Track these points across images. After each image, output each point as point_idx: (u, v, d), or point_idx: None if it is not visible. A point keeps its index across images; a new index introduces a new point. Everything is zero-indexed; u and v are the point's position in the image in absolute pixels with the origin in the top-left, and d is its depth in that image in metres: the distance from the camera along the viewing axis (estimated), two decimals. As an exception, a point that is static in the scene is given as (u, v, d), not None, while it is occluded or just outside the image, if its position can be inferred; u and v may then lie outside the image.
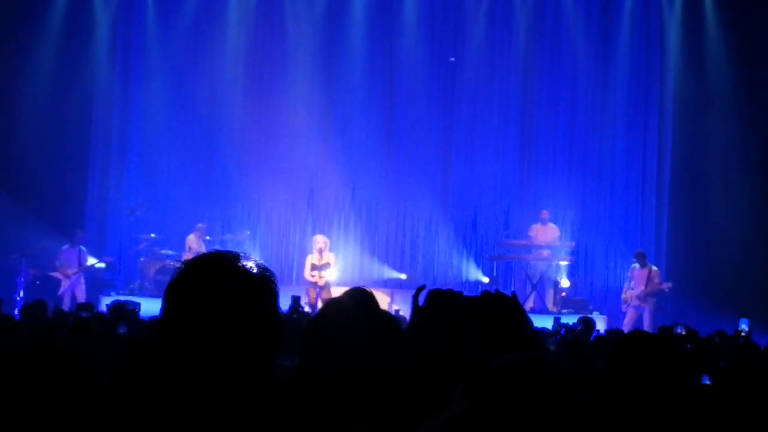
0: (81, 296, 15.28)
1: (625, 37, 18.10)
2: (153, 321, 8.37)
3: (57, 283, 15.58)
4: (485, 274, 17.52)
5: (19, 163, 16.74)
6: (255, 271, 2.10)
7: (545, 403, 1.83)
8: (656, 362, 2.97)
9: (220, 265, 2.09)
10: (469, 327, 2.48)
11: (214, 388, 1.99)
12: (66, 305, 14.16)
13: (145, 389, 2.00)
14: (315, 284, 15.29)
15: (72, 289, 15.60)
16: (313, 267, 15.42)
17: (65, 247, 15.84)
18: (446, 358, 2.47)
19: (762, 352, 8.24)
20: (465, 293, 2.74)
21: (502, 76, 18.31)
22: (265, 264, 2.17)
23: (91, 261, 16.08)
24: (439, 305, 2.67)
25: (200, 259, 2.13)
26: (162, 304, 2.08)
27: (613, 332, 9.76)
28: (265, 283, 2.10)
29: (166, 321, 2.05)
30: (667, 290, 15.72)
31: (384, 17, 18.31)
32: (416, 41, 18.25)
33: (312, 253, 15.62)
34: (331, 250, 15.79)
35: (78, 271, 15.75)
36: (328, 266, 15.40)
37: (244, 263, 2.10)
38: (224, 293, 2.03)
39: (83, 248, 16.05)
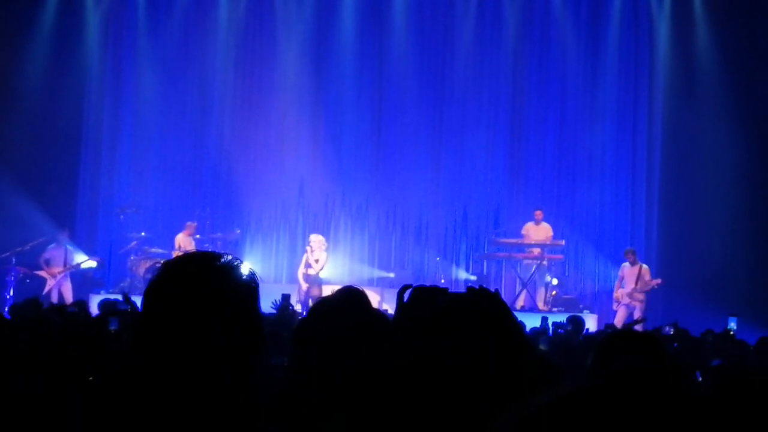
0: (68, 295, 15.27)
1: (614, 34, 18.14)
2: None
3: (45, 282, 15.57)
4: (475, 272, 17.54)
5: (9, 162, 16.70)
6: (235, 270, 2.09)
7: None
8: (643, 358, 2.98)
9: (200, 265, 2.08)
10: (455, 322, 2.48)
11: (196, 389, 1.98)
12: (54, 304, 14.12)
13: (128, 391, 1.99)
14: (305, 281, 15.33)
15: (59, 288, 15.58)
16: (305, 265, 15.48)
17: (51, 246, 15.82)
18: (431, 355, 2.48)
19: (752, 350, 8.28)
20: (451, 291, 2.74)
21: (492, 75, 18.33)
22: (245, 262, 2.15)
23: (79, 259, 16.06)
24: (423, 302, 2.67)
25: (179, 260, 2.11)
26: (141, 305, 2.07)
27: (606, 330, 9.78)
28: (244, 282, 2.09)
29: (146, 323, 2.04)
30: (656, 286, 15.77)
31: (374, 17, 18.32)
32: (406, 41, 18.26)
33: (306, 251, 15.66)
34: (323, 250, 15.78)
35: (64, 270, 15.72)
36: (316, 265, 15.41)
37: (224, 263, 2.09)
38: (204, 293, 2.02)
39: (69, 247, 16.02)
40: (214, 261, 2.08)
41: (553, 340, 8.20)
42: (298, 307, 13.16)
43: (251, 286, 2.09)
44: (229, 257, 2.11)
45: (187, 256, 2.13)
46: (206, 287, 2.03)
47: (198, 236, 16.37)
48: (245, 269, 2.11)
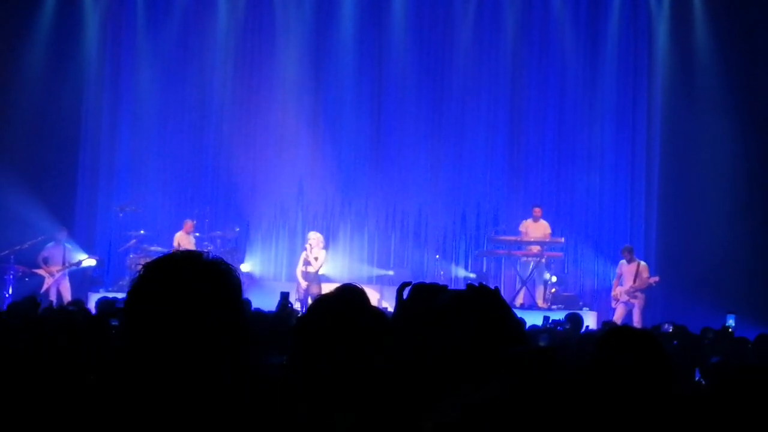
0: (66, 294, 15.27)
1: (614, 33, 18.14)
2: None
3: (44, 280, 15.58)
4: (475, 270, 17.55)
5: (8, 161, 16.69)
6: (217, 269, 2.08)
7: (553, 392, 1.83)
8: (640, 356, 2.99)
9: (181, 264, 2.07)
10: (454, 320, 2.48)
11: (182, 388, 1.97)
12: (53, 303, 14.12)
13: (119, 390, 1.98)
14: (304, 279, 15.34)
15: (57, 286, 15.59)
16: (304, 263, 15.48)
17: (50, 244, 15.83)
18: (430, 353, 2.48)
19: (750, 346, 8.29)
20: (450, 288, 2.74)
21: (491, 74, 18.32)
22: (227, 261, 2.14)
23: (78, 258, 16.06)
24: (423, 299, 2.66)
25: (161, 260, 2.10)
26: (124, 305, 2.06)
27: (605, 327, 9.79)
28: (227, 280, 2.08)
29: (130, 323, 2.03)
30: (654, 284, 15.78)
31: (373, 17, 18.32)
32: (405, 40, 18.25)
33: (305, 249, 15.66)
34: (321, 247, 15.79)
35: (62, 269, 15.73)
36: (316, 262, 15.42)
37: (206, 261, 2.08)
38: (186, 292, 2.00)
39: (68, 246, 16.03)
40: (196, 260, 2.07)
41: (552, 337, 8.21)
42: (297, 306, 13.17)
43: (234, 284, 2.08)
44: (212, 256, 2.10)
45: (168, 256, 2.12)
46: (188, 286, 2.02)
47: (197, 234, 16.37)
48: (229, 267, 2.10)
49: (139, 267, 2.09)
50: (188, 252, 2.11)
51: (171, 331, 1.98)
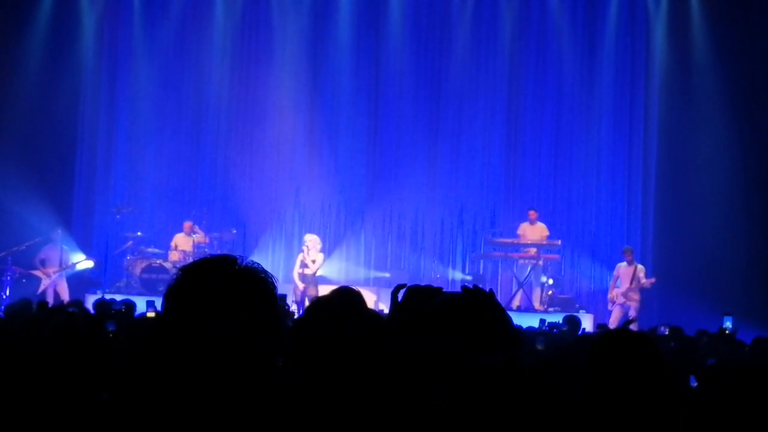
0: (64, 295, 15.26)
1: (611, 35, 18.15)
2: (144, 319, 8.42)
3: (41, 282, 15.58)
4: (472, 272, 17.56)
5: (5, 162, 16.67)
6: (254, 272, 2.10)
7: (521, 402, 1.86)
8: (636, 359, 3.00)
9: (219, 268, 2.09)
10: (448, 322, 2.49)
11: (216, 390, 1.99)
12: (49, 305, 14.09)
13: (146, 393, 2.00)
14: (301, 281, 15.34)
15: (54, 287, 15.58)
16: (301, 265, 15.48)
17: (47, 246, 15.83)
18: (425, 355, 2.49)
19: (747, 349, 8.30)
20: (446, 290, 2.75)
21: (488, 76, 18.32)
22: (262, 266, 2.17)
23: (74, 259, 16.06)
24: (418, 302, 2.68)
25: (199, 263, 2.13)
26: (162, 308, 2.08)
27: (600, 329, 9.80)
28: (264, 284, 2.10)
29: (166, 325, 2.05)
30: (649, 286, 15.79)
31: (370, 17, 18.33)
32: (402, 41, 18.26)
33: (302, 251, 15.66)
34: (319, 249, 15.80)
35: (59, 270, 15.72)
36: (313, 265, 15.42)
37: (243, 265, 2.11)
38: (224, 296, 2.03)
39: (65, 247, 16.03)
40: (233, 263, 2.10)
41: (549, 339, 8.21)
42: (294, 308, 13.18)
43: (270, 286, 2.11)
44: (246, 260, 2.13)
45: (202, 260, 2.15)
46: (228, 289, 2.04)
47: (194, 236, 16.35)
48: (264, 272, 2.12)
49: (177, 270, 2.12)
50: (221, 257, 2.13)
51: (190, 334, 2.00)
